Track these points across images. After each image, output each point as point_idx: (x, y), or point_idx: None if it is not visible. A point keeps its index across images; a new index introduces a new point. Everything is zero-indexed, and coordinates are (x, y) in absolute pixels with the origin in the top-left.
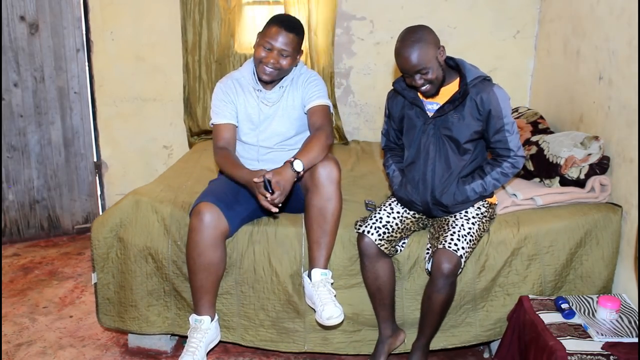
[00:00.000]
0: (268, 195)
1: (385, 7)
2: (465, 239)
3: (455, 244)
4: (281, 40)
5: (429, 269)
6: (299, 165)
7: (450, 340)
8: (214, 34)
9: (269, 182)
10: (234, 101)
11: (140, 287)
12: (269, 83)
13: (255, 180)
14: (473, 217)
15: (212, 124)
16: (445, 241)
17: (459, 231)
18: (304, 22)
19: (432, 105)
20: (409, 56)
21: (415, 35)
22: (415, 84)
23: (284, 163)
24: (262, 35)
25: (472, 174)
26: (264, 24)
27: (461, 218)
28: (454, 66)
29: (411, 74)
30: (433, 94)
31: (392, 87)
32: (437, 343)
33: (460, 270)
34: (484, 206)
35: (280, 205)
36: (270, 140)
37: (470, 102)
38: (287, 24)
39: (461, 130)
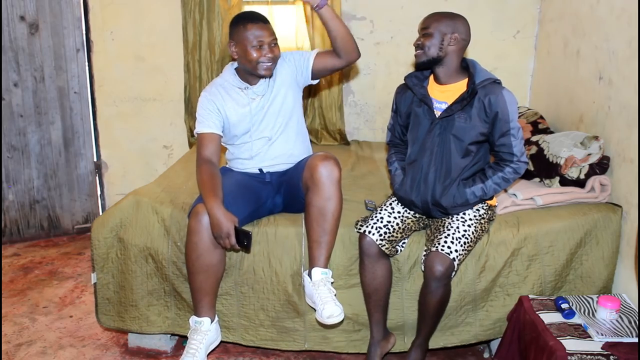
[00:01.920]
0: (234, 245)
1: (385, 7)
2: (459, 242)
3: (449, 247)
4: (267, 34)
5: (423, 270)
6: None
7: (450, 339)
8: (215, 34)
9: (245, 234)
10: (221, 108)
11: (141, 287)
12: (269, 77)
13: None
14: (470, 220)
15: (197, 132)
16: (439, 244)
17: (453, 234)
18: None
19: (440, 105)
20: (429, 15)
21: (450, 13)
22: (415, 41)
23: None
24: (243, 38)
25: (473, 176)
26: (232, 28)
27: (457, 220)
28: (465, 67)
29: (418, 29)
30: (420, 64)
31: (402, 82)
32: (436, 342)
33: (454, 273)
34: (482, 208)
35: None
36: (267, 130)
37: (478, 103)
38: (260, 17)
39: (467, 131)
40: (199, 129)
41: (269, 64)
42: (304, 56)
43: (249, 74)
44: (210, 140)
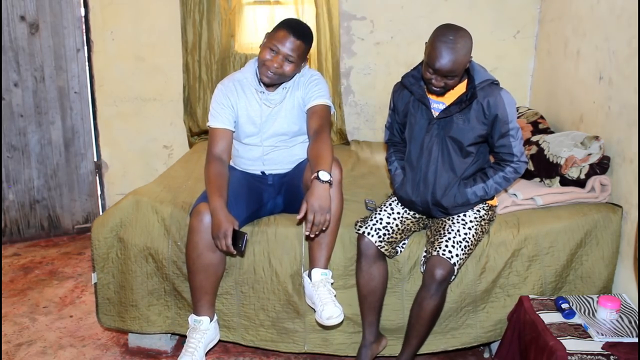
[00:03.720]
0: (230, 248)
1: (385, 7)
2: (460, 245)
3: (450, 251)
4: (288, 46)
5: (422, 272)
6: (325, 176)
7: (451, 342)
8: (214, 34)
9: (241, 236)
10: (235, 105)
11: (141, 286)
12: (269, 85)
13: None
14: (470, 222)
15: (209, 126)
16: (440, 247)
17: (454, 237)
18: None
19: (438, 105)
20: (446, 59)
21: (462, 41)
22: (434, 82)
23: (311, 182)
24: (270, 37)
25: (473, 176)
26: (275, 26)
27: (458, 222)
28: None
29: (436, 73)
30: (439, 95)
31: (399, 81)
32: (436, 345)
33: (453, 277)
34: (483, 209)
35: (325, 229)
36: (273, 139)
37: (476, 106)
38: (296, 29)
39: (466, 133)
40: (212, 123)
41: (272, 74)
42: (310, 95)
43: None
44: (222, 136)
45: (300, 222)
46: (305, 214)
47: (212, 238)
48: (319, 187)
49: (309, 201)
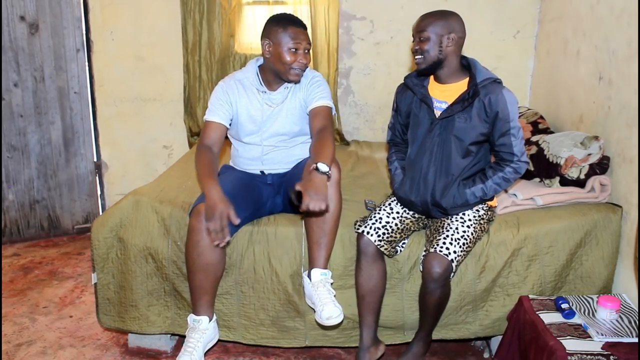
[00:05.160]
0: (226, 227)
1: (385, 7)
2: (458, 243)
3: (447, 248)
4: (304, 39)
5: (421, 271)
6: (324, 167)
7: (449, 334)
8: (215, 34)
9: (299, 193)
10: (234, 102)
11: (141, 287)
12: (297, 82)
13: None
14: (469, 220)
15: (205, 119)
16: (438, 245)
17: (452, 235)
18: (306, 22)
19: (440, 104)
20: (421, 17)
21: (442, 11)
22: (413, 46)
23: (310, 172)
24: (282, 39)
25: (473, 176)
26: (270, 26)
27: (457, 221)
28: (465, 65)
29: (413, 34)
30: (422, 71)
31: (402, 82)
32: (434, 335)
33: (452, 274)
34: (482, 209)
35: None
36: (273, 139)
37: (478, 104)
38: (299, 21)
39: (468, 131)
40: (208, 116)
41: (300, 70)
42: (312, 96)
43: (276, 76)
44: (215, 129)
45: (298, 208)
46: (301, 198)
47: (206, 220)
48: (318, 177)
49: (310, 188)
